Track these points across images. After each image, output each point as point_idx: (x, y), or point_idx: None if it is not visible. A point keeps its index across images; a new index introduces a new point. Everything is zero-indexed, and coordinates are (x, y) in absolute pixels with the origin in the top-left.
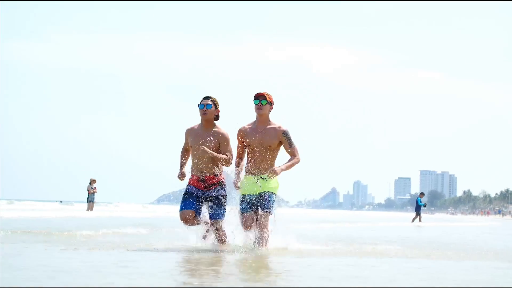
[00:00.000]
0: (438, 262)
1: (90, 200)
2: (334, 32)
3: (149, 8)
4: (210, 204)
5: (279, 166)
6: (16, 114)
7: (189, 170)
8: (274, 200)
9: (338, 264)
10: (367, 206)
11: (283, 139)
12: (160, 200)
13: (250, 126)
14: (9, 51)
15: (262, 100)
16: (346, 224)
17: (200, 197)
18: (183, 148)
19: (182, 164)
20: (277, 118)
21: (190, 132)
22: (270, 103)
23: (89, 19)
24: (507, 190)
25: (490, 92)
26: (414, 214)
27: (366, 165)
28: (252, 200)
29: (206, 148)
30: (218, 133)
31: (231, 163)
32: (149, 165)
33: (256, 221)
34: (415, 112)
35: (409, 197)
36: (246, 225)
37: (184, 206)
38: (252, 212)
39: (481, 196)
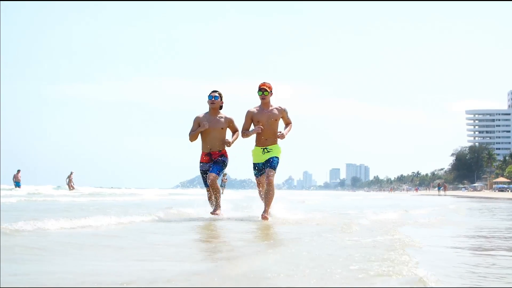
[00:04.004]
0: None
1: (222, 186)
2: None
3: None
4: (213, 164)
5: (282, 132)
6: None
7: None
8: (278, 161)
9: None
10: (312, 188)
11: (284, 114)
12: (177, 187)
13: (257, 109)
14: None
15: (264, 92)
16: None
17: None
18: (190, 130)
19: (196, 130)
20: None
21: (200, 119)
22: (271, 91)
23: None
24: (401, 175)
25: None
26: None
27: (311, 160)
28: (260, 167)
29: (230, 141)
30: (226, 118)
31: (239, 136)
32: (169, 160)
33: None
34: (343, 125)
35: (339, 181)
36: (259, 185)
37: (206, 184)
38: (261, 177)
39: (385, 179)
